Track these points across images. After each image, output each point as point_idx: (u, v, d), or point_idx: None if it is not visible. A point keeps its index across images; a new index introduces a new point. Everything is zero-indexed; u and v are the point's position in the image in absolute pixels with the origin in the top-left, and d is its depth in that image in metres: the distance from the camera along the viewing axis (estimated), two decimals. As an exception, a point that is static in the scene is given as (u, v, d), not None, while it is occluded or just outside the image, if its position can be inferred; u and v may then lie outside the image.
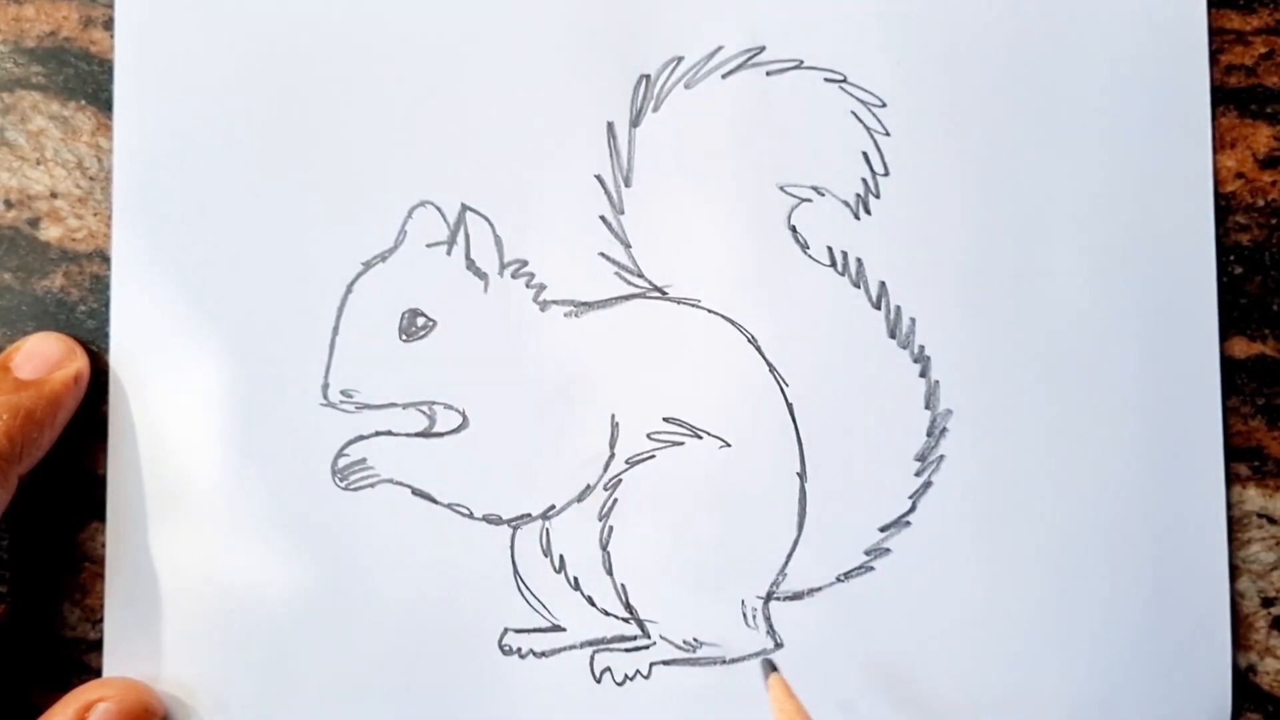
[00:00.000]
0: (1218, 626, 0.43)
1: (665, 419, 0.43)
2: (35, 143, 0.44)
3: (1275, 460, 0.44)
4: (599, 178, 0.44)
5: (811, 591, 0.43)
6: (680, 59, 0.44)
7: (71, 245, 0.44)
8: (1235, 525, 0.43)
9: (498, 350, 0.43)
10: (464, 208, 0.44)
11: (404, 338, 0.43)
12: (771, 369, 0.43)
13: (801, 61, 0.44)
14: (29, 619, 0.43)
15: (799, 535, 0.43)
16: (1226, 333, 0.44)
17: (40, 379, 0.41)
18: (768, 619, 0.43)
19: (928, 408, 0.43)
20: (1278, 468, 0.44)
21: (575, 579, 0.43)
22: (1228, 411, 0.44)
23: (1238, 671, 0.43)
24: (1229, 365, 0.44)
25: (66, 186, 0.44)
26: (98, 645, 0.43)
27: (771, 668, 0.40)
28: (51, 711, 0.40)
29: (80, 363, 0.42)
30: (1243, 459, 0.44)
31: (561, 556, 0.43)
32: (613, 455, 0.43)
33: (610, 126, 0.44)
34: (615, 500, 0.43)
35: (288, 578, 0.43)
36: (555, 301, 0.44)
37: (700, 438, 0.43)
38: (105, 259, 0.44)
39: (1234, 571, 0.43)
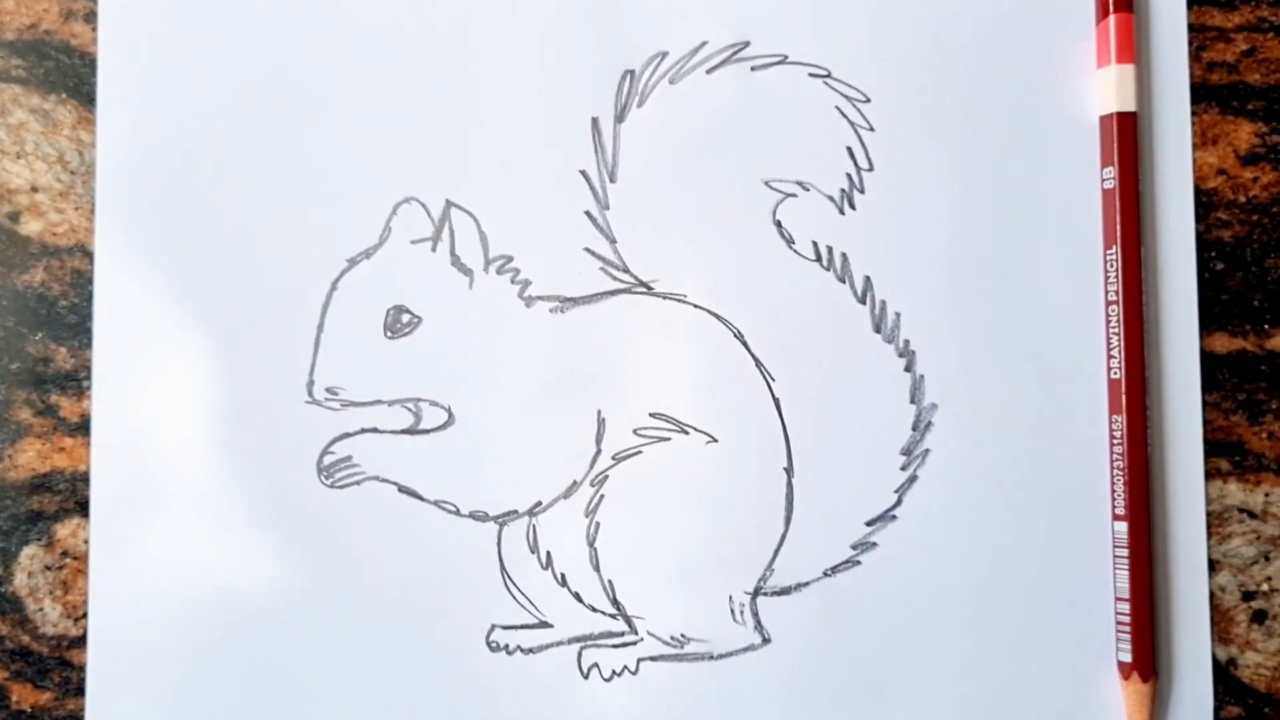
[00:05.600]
0: (1198, 620, 0.43)
1: (652, 415, 0.43)
2: (15, 136, 0.44)
3: (1256, 455, 0.44)
4: (584, 173, 0.44)
5: (799, 586, 0.43)
6: (665, 54, 0.44)
7: (52, 240, 0.43)
8: (1217, 520, 0.44)
9: (483, 346, 0.43)
10: (448, 204, 0.44)
11: (389, 334, 0.43)
12: (758, 364, 0.43)
13: (786, 57, 0.44)
14: (11, 615, 0.43)
15: (786, 530, 0.43)
16: (1208, 328, 0.44)
17: None
18: (755, 614, 0.43)
19: (913, 402, 0.43)
20: (1259, 462, 0.44)
21: (562, 575, 0.43)
22: (1209, 407, 0.44)
23: (1219, 665, 0.43)
24: (1210, 360, 0.44)
25: (47, 180, 0.44)
26: (80, 641, 0.42)
27: None
28: None
29: None
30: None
31: (548, 553, 0.43)
32: (599, 451, 0.43)
33: (595, 122, 0.44)
34: (602, 496, 0.43)
35: (273, 575, 0.43)
36: (541, 297, 0.44)
37: (687, 433, 0.43)
38: (87, 254, 0.43)
39: (1215, 566, 0.44)
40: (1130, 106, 0.43)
